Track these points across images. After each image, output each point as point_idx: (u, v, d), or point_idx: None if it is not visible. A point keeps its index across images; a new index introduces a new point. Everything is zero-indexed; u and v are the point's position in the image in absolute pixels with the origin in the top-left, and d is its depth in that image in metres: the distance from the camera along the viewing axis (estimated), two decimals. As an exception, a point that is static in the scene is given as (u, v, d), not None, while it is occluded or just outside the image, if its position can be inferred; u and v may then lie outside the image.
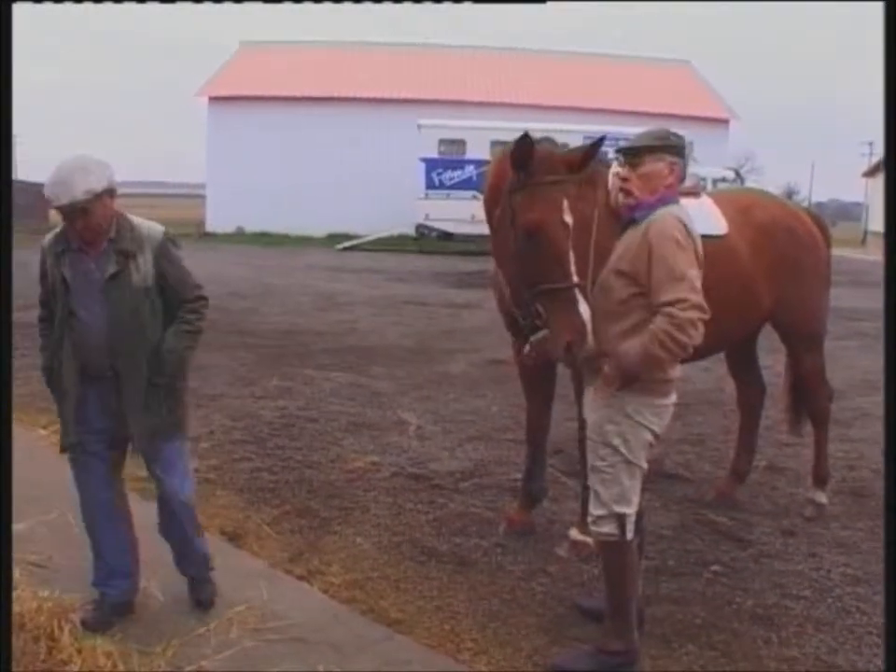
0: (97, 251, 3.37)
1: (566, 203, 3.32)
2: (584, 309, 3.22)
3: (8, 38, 3.45)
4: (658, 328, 3.05)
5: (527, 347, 3.46)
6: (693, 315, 3.04)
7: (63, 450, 3.53)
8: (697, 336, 3.07)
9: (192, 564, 3.78)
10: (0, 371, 3.37)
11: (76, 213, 3.23)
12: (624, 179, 3.29)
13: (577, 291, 3.26)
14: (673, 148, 3.25)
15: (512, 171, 3.41)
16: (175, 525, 3.67)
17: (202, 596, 3.72)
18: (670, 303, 3.05)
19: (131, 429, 3.43)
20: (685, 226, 3.15)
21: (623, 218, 3.39)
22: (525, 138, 3.29)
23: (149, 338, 3.41)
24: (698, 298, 3.07)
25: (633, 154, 3.26)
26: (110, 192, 3.31)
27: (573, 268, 3.28)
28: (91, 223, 3.28)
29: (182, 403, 3.61)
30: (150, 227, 3.49)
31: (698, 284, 3.10)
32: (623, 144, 3.33)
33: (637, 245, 3.15)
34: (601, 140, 3.50)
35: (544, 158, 3.35)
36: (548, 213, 3.29)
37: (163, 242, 3.46)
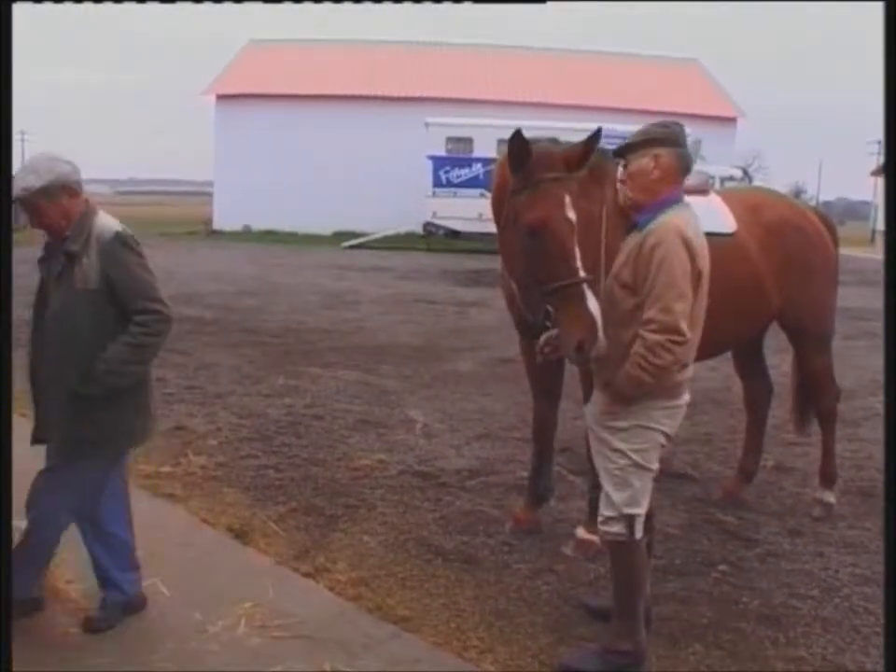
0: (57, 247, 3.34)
1: (568, 200, 3.28)
2: (594, 305, 3.19)
3: (8, 38, 3.40)
4: (635, 350, 3.07)
5: (542, 340, 3.43)
6: (660, 337, 3.02)
7: (32, 443, 3.41)
8: (670, 357, 3.04)
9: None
10: (0, 370, 3.34)
11: (26, 209, 3.23)
12: (622, 181, 3.30)
13: (585, 287, 3.22)
14: (656, 140, 3.17)
15: (511, 172, 3.40)
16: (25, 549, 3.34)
17: None
18: (643, 323, 3.06)
19: (50, 437, 3.29)
20: (686, 237, 3.06)
21: (630, 220, 3.37)
22: (518, 136, 3.27)
23: (83, 344, 3.21)
24: (668, 318, 3.02)
25: (619, 155, 3.26)
26: (64, 190, 3.21)
27: (579, 263, 3.24)
28: (41, 221, 3.25)
29: (111, 423, 3.30)
30: (104, 226, 3.29)
31: (677, 305, 3.03)
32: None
33: (636, 257, 3.11)
34: (598, 134, 3.45)
35: (542, 156, 3.32)
36: (550, 210, 3.26)
37: (110, 242, 3.23)
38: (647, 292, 3.07)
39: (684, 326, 3.03)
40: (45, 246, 3.40)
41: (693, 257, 3.08)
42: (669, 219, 3.11)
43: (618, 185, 4.07)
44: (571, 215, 3.27)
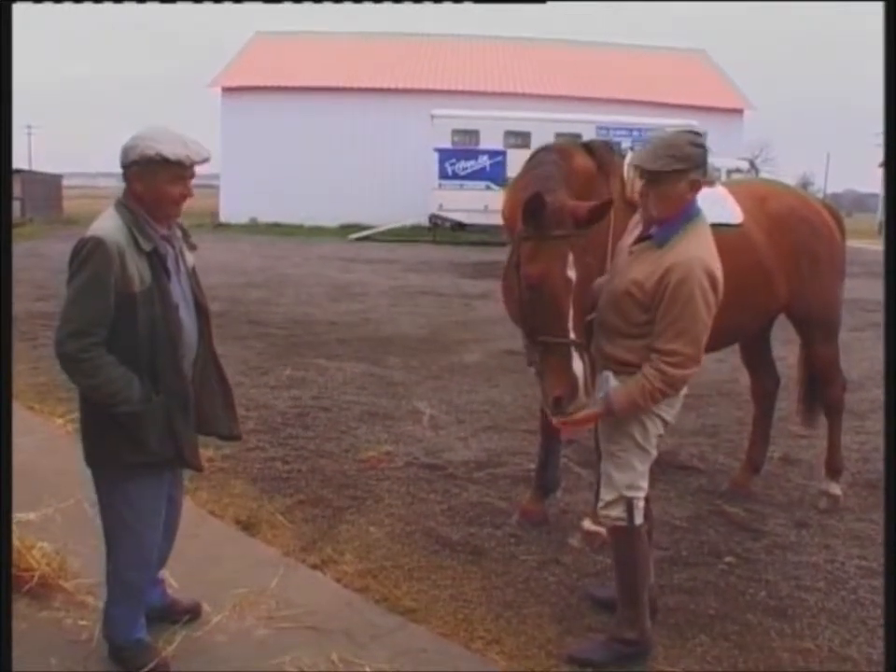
0: (172, 236, 3.06)
1: (570, 258, 3.26)
2: (578, 366, 3.22)
3: (9, 38, 3.37)
4: (649, 381, 3.07)
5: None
6: (686, 371, 3.08)
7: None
8: (683, 388, 3.17)
9: None
10: (0, 368, 3.31)
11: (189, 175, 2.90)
12: (642, 194, 3.19)
13: (572, 349, 3.24)
14: (696, 167, 3.09)
15: (522, 222, 3.38)
16: None
17: None
18: (665, 354, 3.05)
19: (188, 453, 3.05)
20: (711, 271, 3.05)
21: (641, 225, 3.32)
22: (538, 197, 3.22)
23: None
24: (694, 350, 3.07)
25: (651, 174, 3.11)
26: None
27: (570, 324, 3.25)
28: (189, 189, 2.94)
29: None
30: None
31: (703, 337, 3.08)
32: (640, 156, 3.18)
33: (657, 281, 3.07)
34: (608, 204, 3.37)
35: (554, 212, 3.28)
36: (550, 267, 3.25)
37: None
38: (667, 321, 3.05)
39: (702, 356, 3.12)
40: (155, 237, 2.96)
41: (716, 289, 3.09)
42: (693, 246, 3.07)
43: (626, 174, 4.06)
44: (571, 274, 3.25)
